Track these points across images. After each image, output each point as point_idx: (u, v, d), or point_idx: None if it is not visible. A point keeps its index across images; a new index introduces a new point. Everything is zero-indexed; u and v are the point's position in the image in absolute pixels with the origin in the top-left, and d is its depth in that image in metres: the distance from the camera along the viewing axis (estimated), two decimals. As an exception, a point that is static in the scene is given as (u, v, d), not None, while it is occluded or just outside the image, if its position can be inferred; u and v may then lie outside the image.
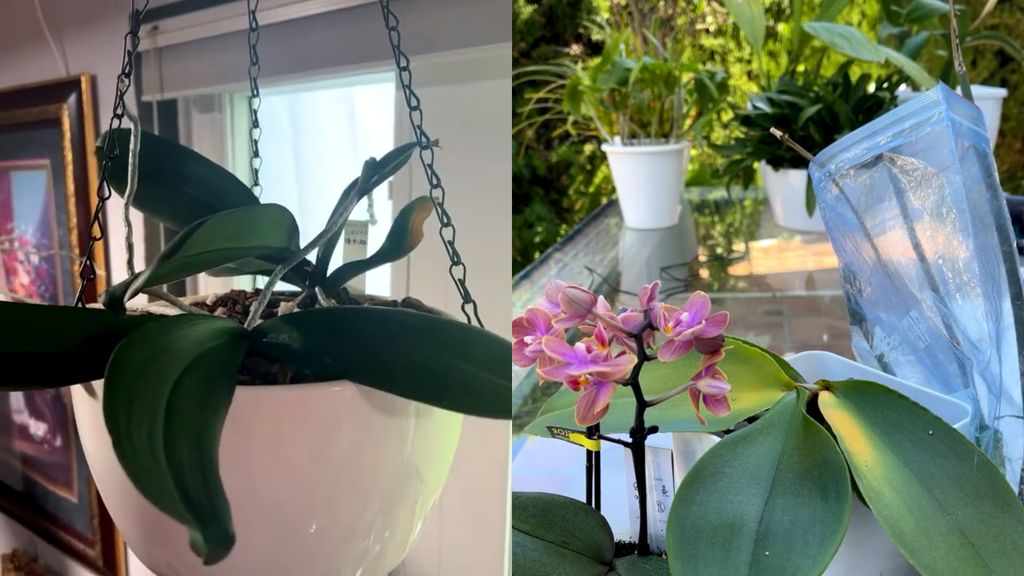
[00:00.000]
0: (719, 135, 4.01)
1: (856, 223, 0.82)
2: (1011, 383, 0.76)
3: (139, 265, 0.67)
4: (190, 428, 0.48)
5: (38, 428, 2.19)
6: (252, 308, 0.64)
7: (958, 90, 0.80)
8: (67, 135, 1.89)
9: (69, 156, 1.90)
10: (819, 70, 2.95)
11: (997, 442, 0.76)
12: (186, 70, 1.61)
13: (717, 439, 0.66)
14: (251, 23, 0.90)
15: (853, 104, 2.58)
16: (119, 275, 1.82)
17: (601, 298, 0.64)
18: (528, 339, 0.63)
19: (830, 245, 0.87)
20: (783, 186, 2.76)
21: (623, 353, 0.62)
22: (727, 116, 3.59)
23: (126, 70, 0.74)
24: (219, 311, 0.76)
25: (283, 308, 0.72)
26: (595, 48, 4.40)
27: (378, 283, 1.40)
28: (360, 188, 0.70)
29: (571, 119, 3.31)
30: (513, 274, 2.49)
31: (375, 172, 0.72)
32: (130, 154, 0.71)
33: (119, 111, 0.73)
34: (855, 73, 2.85)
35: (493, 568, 1.28)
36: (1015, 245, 0.77)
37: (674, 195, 3.01)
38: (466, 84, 1.25)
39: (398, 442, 0.61)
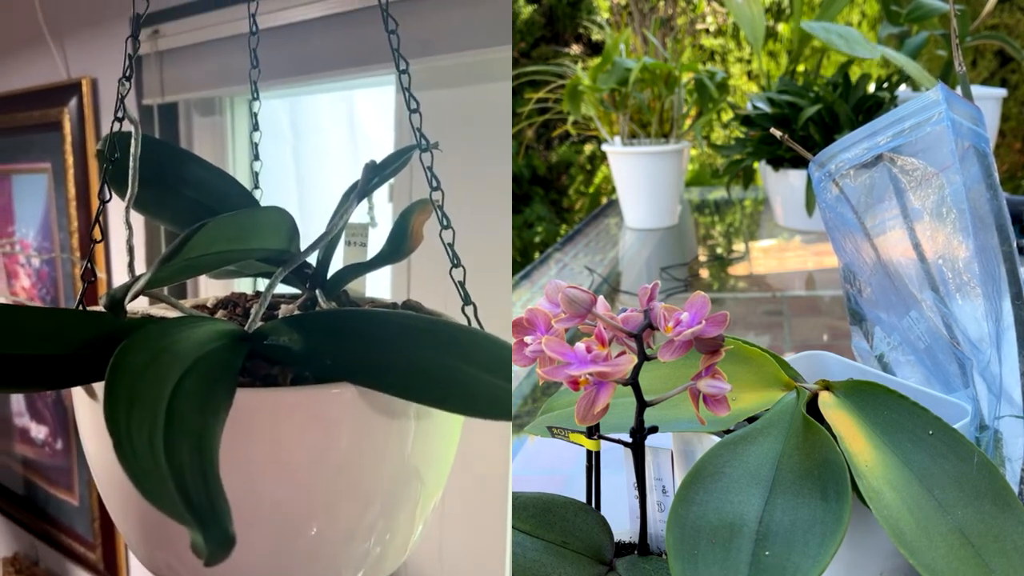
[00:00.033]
0: (719, 135, 4.01)
1: (856, 223, 0.82)
2: (1011, 383, 0.76)
3: (140, 268, 0.67)
4: (191, 430, 0.48)
5: (39, 431, 2.19)
6: (252, 310, 0.64)
7: (958, 90, 0.80)
8: (68, 138, 1.89)
9: (70, 159, 1.90)
10: (819, 70, 2.95)
11: (997, 442, 0.76)
12: (187, 74, 1.61)
13: (717, 439, 0.66)
14: (251, 27, 0.90)
15: (853, 104, 2.58)
16: (120, 278, 1.82)
17: (601, 298, 0.64)
18: (528, 339, 0.63)
19: (830, 245, 0.87)
20: (783, 186, 2.76)
21: (623, 353, 0.62)
22: (727, 116, 3.59)
23: (127, 73, 0.74)
24: (220, 314, 0.76)
25: (284, 310, 0.72)
26: (595, 48, 4.40)
27: (379, 285, 1.40)
28: (360, 191, 0.70)
29: (571, 119, 3.31)
30: (513, 274, 2.49)
31: (375, 175, 0.72)
32: (131, 157, 0.71)
33: (120, 114, 0.73)
34: (855, 73, 2.85)
35: (494, 568, 1.28)
36: (1015, 245, 0.77)
37: (674, 195, 3.01)
38: (466, 87, 1.25)
39: (398, 444, 0.61)
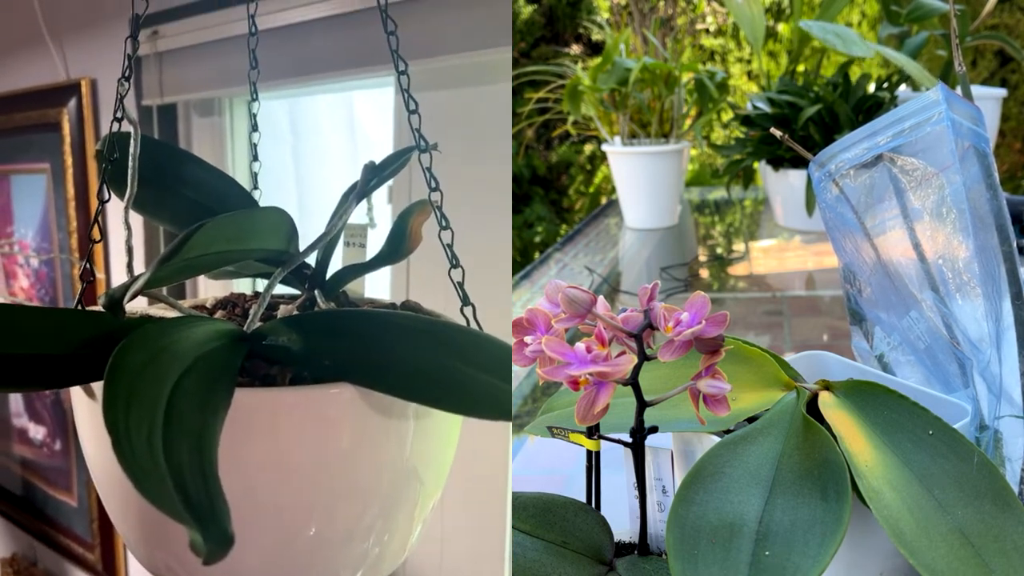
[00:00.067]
0: (719, 135, 4.01)
1: (856, 223, 0.82)
2: (1011, 383, 0.76)
3: (139, 268, 0.67)
4: (190, 430, 0.48)
5: (37, 432, 2.19)
6: (251, 311, 0.64)
7: (958, 90, 0.80)
8: (67, 139, 1.89)
9: (69, 160, 1.90)
10: (819, 70, 2.95)
11: (997, 442, 0.76)
12: (186, 74, 1.61)
13: (717, 439, 0.66)
14: (251, 27, 0.90)
15: (853, 104, 2.58)
16: (119, 278, 1.82)
17: (601, 298, 0.64)
18: (528, 339, 0.63)
19: (830, 245, 0.87)
20: (783, 186, 2.76)
21: (623, 353, 0.62)
22: (727, 116, 3.58)
23: (126, 74, 0.74)
24: (219, 314, 0.76)
25: (282, 311, 0.72)
26: (595, 48, 4.40)
27: (378, 286, 1.40)
28: (359, 191, 0.70)
29: (571, 119, 3.31)
30: (513, 274, 2.49)
31: (374, 175, 0.72)
32: (130, 158, 0.71)
33: (119, 115, 0.73)
34: (855, 73, 2.85)
35: (493, 569, 1.28)
36: (1015, 245, 0.77)
37: (674, 195, 3.01)
38: (466, 88, 1.25)
39: (397, 444, 0.61)
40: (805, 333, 1.97)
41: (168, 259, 0.59)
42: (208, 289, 1.55)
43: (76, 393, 0.61)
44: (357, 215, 0.75)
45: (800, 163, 2.63)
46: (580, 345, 0.61)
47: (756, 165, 2.94)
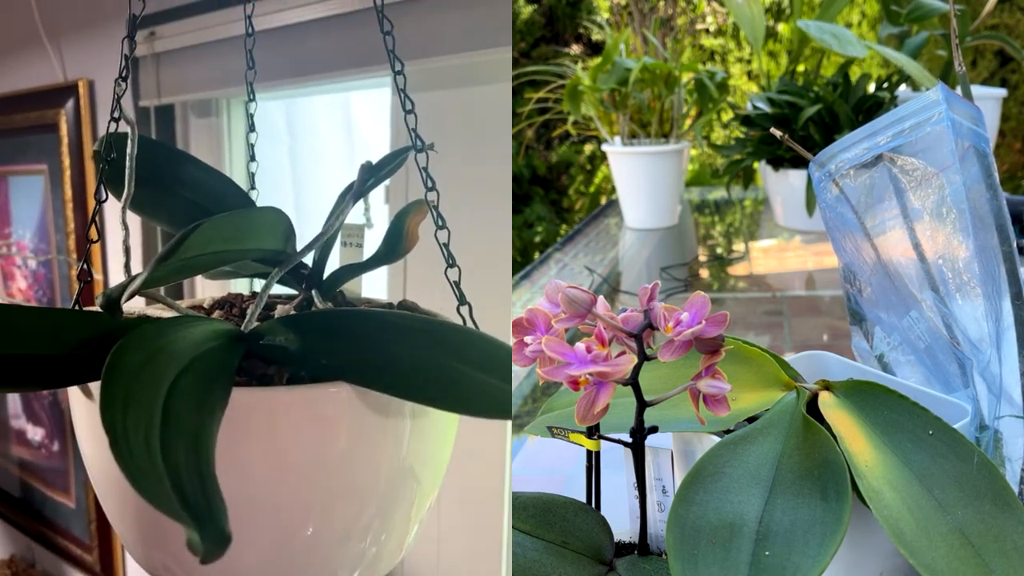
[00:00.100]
0: (719, 135, 4.01)
1: (856, 223, 0.82)
2: (1011, 383, 0.76)
3: (136, 268, 0.67)
4: (187, 429, 0.48)
5: (35, 433, 2.19)
6: (249, 311, 0.64)
7: (958, 90, 0.79)
8: (65, 140, 1.89)
9: (67, 161, 1.89)
10: (819, 70, 2.95)
11: (997, 442, 0.76)
12: (183, 75, 1.61)
13: (717, 439, 0.66)
14: (247, 28, 0.90)
15: (853, 104, 2.58)
16: (116, 279, 1.82)
17: (601, 298, 0.64)
18: (528, 339, 0.63)
19: (830, 245, 0.87)
20: (783, 186, 2.76)
21: (623, 353, 0.62)
22: (727, 116, 3.58)
23: (123, 74, 0.74)
24: (216, 314, 0.76)
25: (280, 311, 0.72)
26: (595, 48, 4.40)
27: (376, 286, 1.40)
28: (356, 191, 0.70)
29: (571, 119, 3.31)
30: (513, 274, 2.49)
31: (371, 176, 0.72)
32: (127, 158, 0.71)
33: (116, 115, 0.73)
34: (855, 73, 2.85)
35: (491, 569, 1.28)
36: (1015, 245, 0.77)
37: (674, 195, 3.01)
38: (466, 88, 1.25)
39: (394, 443, 0.61)
40: (805, 333, 1.96)
41: (165, 259, 0.59)
42: (206, 289, 1.55)
43: (74, 393, 0.61)
44: (354, 215, 0.75)
45: (800, 163, 2.63)
46: (580, 345, 0.60)
47: (756, 165, 2.94)
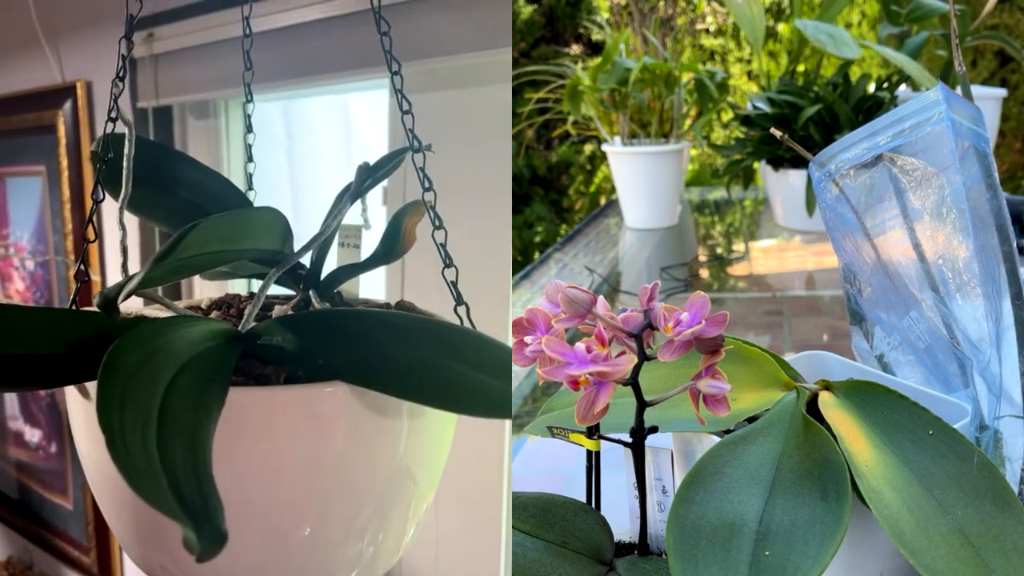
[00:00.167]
0: (719, 135, 4.01)
1: (856, 223, 0.82)
2: (1011, 383, 0.76)
3: (134, 269, 0.67)
4: (184, 429, 0.48)
5: (33, 435, 2.19)
6: (246, 311, 0.64)
7: (958, 90, 0.79)
8: (63, 141, 1.88)
9: (65, 162, 1.89)
10: (819, 70, 2.95)
11: (997, 442, 0.76)
12: (181, 76, 1.61)
13: (717, 439, 0.66)
14: (245, 29, 0.90)
15: (853, 104, 2.58)
16: (114, 279, 1.82)
17: (601, 298, 0.64)
18: (528, 339, 0.63)
19: (830, 245, 0.87)
20: (783, 186, 2.76)
21: (623, 353, 0.61)
22: (727, 116, 3.58)
23: (120, 74, 0.74)
24: (214, 314, 0.76)
25: (277, 311, 0.72)
26: (595, 48, 4.40)
27: (374, 287, 1.40)
28: (353, 192, 0.70)
29: (571, 119, 3.31)
30: (513, 274, 2.49)
31: (368, 176, 0.72)
32: (124, 158, 0.71)
33: (113, 115, 0.73)
34: (855, 73, 2.85)
35: (490, 570, 1.28)
36: (1015, 245, 0.77)
37: (674, 195, 3.01)
38: (466, 88, 1.25)
39: (391, 443, 0.61)
40: (805, 333, 1.96)
41: (162, 259, 0.59)
42: (204, 290, 1.55)
43: (71, 393, 0.61)
44: (352, 216, 0.74)
45: (800, 163, 2.63)
46: (580, 345, 0.60)
47: (756, 165, 2.94)
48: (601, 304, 0.63)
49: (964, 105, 0.77)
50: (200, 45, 1.53)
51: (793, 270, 2.51)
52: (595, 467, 0.74)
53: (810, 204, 2.59)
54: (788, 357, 0.77)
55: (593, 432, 0.71)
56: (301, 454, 0.57)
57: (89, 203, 1.53)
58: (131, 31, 0.75)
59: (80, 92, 1.83)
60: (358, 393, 0.57)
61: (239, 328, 0.62)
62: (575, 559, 0.68)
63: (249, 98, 0.92)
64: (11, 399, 2.25)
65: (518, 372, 1.58)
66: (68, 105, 1.85)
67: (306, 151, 1.72)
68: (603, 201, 4.14)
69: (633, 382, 0.64)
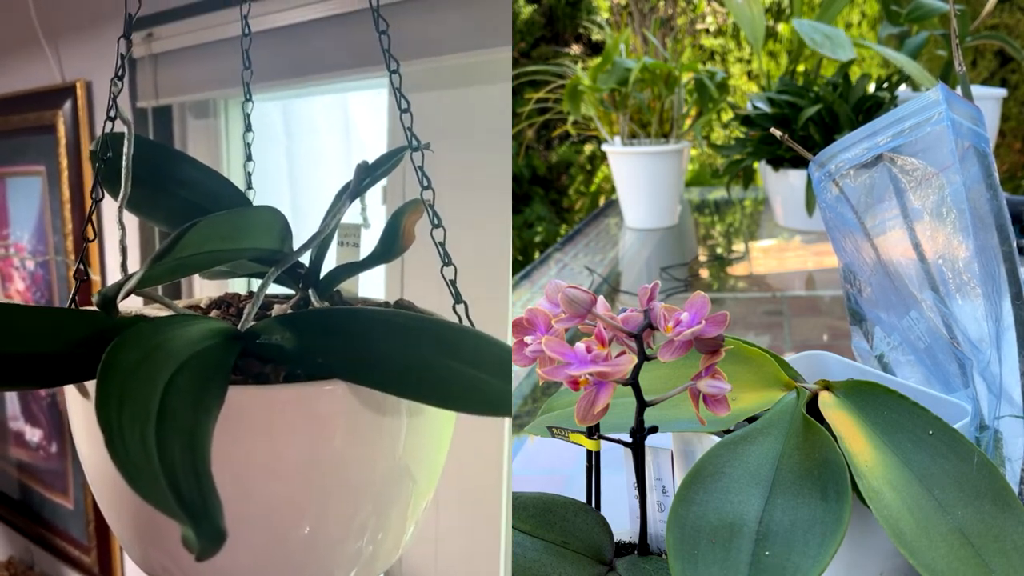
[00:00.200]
0: (719, 135, 4.00)
1: (856, 223, 0.82)
2: (1011, 383, 0.76)
3: (133, 268, 0.67)
4: (183, 427, 0.48)
5: (34, 434, 2.19)
6: (246, 310, 0.64)
7: (958, 90, 0.79)
8: (62, 141, 1.88)
9: (64, 162, 1.89)
10: (819, 70, 2.95)
11: (997, 442, 0.75)
12: (181, 76, 1.61)
13: (717, 439, 0.66)
14: (244, 28, 0.90)
15: (853, 104, 2.58)
16: (113, 278, 1.82)
17: (601, 298, 0.64)
18: (528, 339, 0.62)
19: (830, 245, 0.87)
20: (783, 186, 2.76)
21: (623, 353, 0.61)
22: (727, 116, 3.58)
23: (119, 73, 0.74)
24: (213, 313, 0.76)
25: (276, 310, 0.72)
26: (595, 48, 4.40)
27: (373, 285, 1.40)
28: (352, 191, 0.70)
29: (571, 119, 3.31)
30: (513, 274, 2.49)
31: (367, 175, 0.72)
32: (123, 157, 0.71)
33: (112, 114, 0.72)
34: (855, 73, 2.85)
35: (489, 569, 1.28)
36: (1015, 245, 0.77)
37: (674, 195, 3.01)
38: (466, 88, 1.25)
39: (390, 441, 0.61)
40: (805, 333, 1.96)
41: (161, 258, 0.58)
42: (203, 289, 1.55)
43: (70, 392, 0.61)
44: (351, 215, 0.74)
45: (800, 163, 2.63)
46: (580, 345, 0.60)
47: (756, 165, 2.94)
48: (601, 304, 0.63)
49: (964, 105, 0.77)
50: (199, 44, 1.52)
51: (793, 270, 2.51)
52: (595, 467, 0.74)
53: (810, 204, 2.59)
54: (788, 357, 0.77)
55: (593, 432, 0.71)
56: (300, 452, 0.57)
57: (89, 202, 1.54)
58: (130, 30, 0.75)
59: (80, 92, 1.83)
60: (357, 391, 0.57)
61: (238, 327, 0.62)
62: (575, 559, 0.68)
63: (248, 97, 0.92)
64: (11, 399, 2.25)
65: (518, 372, 1.58)
66: (68, 105, 1.85)
67: (305, 150, 1.72)
68: (603, 201, 4.14)
69: (633, 382, 0.64)
